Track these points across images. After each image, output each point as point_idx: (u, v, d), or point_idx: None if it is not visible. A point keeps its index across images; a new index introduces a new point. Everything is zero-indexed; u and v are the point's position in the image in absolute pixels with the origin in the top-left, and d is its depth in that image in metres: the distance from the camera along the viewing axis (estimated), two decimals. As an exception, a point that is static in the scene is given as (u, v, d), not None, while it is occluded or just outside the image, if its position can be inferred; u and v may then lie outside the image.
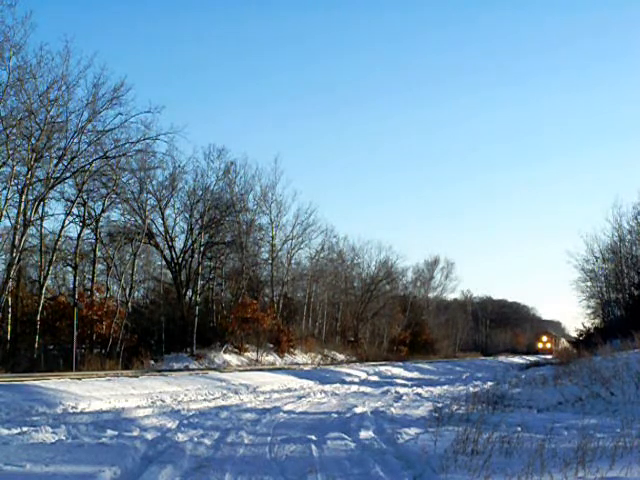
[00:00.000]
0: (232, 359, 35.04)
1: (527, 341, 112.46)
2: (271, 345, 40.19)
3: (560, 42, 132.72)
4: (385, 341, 59.69)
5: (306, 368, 31.55)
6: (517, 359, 54.98)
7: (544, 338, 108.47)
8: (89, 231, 32.20)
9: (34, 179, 26.66)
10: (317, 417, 12.58)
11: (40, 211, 28.30)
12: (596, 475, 6.52)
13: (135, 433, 9.56)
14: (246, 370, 27.59)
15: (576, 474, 6.55)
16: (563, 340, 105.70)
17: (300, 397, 17.23)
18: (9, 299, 26.16)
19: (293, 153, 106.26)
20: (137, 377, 19.48)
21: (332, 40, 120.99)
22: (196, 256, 38.09)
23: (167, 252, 37.96)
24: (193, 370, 26.53)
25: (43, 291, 27.77)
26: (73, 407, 13.05)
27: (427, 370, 36.63)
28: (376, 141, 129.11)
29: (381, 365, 36.64)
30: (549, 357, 52.94)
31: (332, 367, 33.17)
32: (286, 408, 13.93)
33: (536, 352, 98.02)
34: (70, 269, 34.03)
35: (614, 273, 47.59)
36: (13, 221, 26.32)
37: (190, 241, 38.25)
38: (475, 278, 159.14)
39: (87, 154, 28.04)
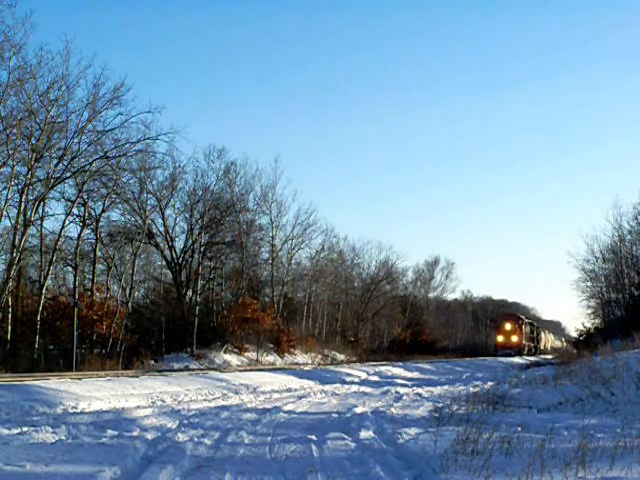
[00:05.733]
0: (232, 359, 35.04)
1: None
2: (271, 345, 40.18)
3: (560, 42, 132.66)
4: (385, 341, 59.68)
5: (306, 368, 31.53)
6: (517, 359, 54.78)
7: (507, 326, 66.65)
8: (89, 231, 32.22)
9: (34, 179, 26.66)
10: (317, 417, 12.58)
11: (40, 211, 28.30)
12: (596, 475, 6.53)
13: (135, 433, 9.57)
14: (246, 370, 27.58)
15: (576, 474, 6.56)
16: (547, 334, 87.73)
17: (300, 397, 17.22)
18: (9, 299, 26.15)
19: (293, 153, 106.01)
20: (137, 377, 19.46)
21: (332, 40, 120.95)
22: (196, 256, 38.10)
23: (167, 252, 37.97)
24: (193, 370, 26.52)
25: (43, 291, 27.76)
26: (73, 407, 13.05)
27: (427, 370, 36.61)
28: (376, 141, 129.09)
29: (381, 365, 36.61)
30: (549, 357, 52.74)
31: (332, 367, 33.15)
32: (286, 408, 13.92)
33: (494, 350, 66.71)
34: (70, 269, 34.03)
35: (614, 273, 47.59)
36: (13, 221, 26.34)
37: (190, 241, 38.26)
38: (475, 278, 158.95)
39: (87, 154, 28.05)
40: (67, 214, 29.67)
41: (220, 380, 20.55)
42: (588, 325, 49.31)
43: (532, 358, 55.86)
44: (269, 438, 9.55)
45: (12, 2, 23.50)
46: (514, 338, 66.00)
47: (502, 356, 59.67)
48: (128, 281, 34.07)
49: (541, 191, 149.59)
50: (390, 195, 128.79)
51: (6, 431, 9.39)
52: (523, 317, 72.95)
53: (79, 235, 30.82)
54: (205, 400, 15.79)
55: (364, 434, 9.60)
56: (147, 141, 29.23)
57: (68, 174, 27.80)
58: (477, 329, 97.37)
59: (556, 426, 9.91)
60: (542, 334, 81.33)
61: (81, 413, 12.35)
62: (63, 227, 29.32)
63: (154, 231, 37.28)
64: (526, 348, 68.37)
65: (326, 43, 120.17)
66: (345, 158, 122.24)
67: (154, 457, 7.85)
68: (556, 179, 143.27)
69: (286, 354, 40.87)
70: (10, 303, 26.39)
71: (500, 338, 66.97)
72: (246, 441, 9.25)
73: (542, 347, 78.86)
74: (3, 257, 28.67)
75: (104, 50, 76.12)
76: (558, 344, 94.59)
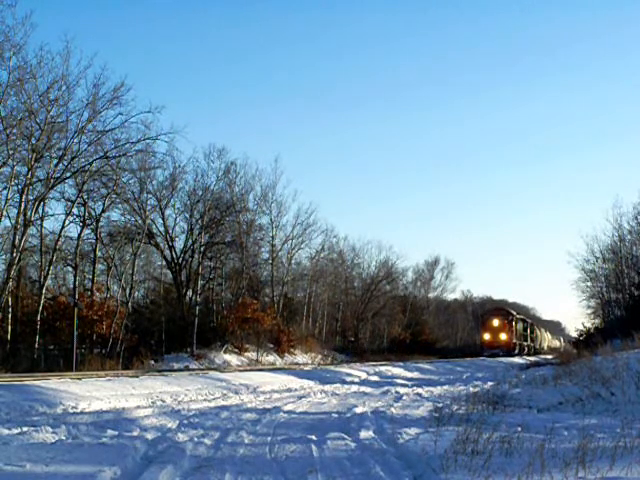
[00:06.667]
0: (232, 359, 35.03)
1: None
2: (271, 345, 40.18)
3: (560, 42, 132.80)
4: (385, 341, 59.64)
5: (306, 368, 31.52)
6: (517, 359, 54.52)
7: (494, 322, 60.16)
8: (89, 231, 32.24)
9: (34, 179, 26.68)
10: (317, 417, 12.57)
11: (40, 211, 28.33)
12: (596, 475, 6.53)
13: (135, 433, 9.56)
14: (246, 370, 27.58)
15: (576, 474, 6.55)
16: (544, 332, 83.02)
17: (300, 397, 17.22)
18: (9, 299, 26.16)
19: (293, 153, 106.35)
20: (137, 377, 19.47)
21: (333, 41, 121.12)
22: (196, 256, 38.11)
23: (167, 252, 37.98)
24: (193, 370, 26.52)
25: (43, 291, 27.77)
26: (73, 407, 13.05)
27: (427, 370, 36.58)
28: (376, 141, 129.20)
29: (381, 365, 36.59)
30: (549, 357, 52.55)
31: (332, 367, 33.13)
32: (286, 408, 13.92)
33: (480, 350, 60.56)
34: (70, 269, 34.05)
35: (614, 273, 47.63)
36: (13, 221, 26.35)
37: (190, 241, 38.28)
38: (475, 278, 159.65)
39: (87, 154, 28.07)
40: (67, 214, 29.69)
41: (220, 380, 20.55)
42: (588, 325, 49.38)
43: (532, 358, 55.18)
44: (269, 438, 9.55)
45: (12, 2, 23.59)
46: (503, 336, 59.39)
47: (490, 356, 54.53)
48: (128, 281, 34.07)
49: (541, 191, 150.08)
50: (390, 195, 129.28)
51: (6, 431, 9.39)
52: (514, 312, 65.09)
53: (79, 235, 30.85)
54: (205, 400, 15.79)
55: (364, 434, 9.60)
56: (147, 141, 29.30)
57: (68, 174, 27.82)
58: (477, 329, 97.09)
59: (556, 426, 9.90)
60: (537, 332, 75.38)
61: (81, 413, 12.35)
62: (63, 227, 29.38)
63: (154, 231, 37.31)
64: (517, 347, 62.24)
65: (326, 43, 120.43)
66: (345, 158, 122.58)
67: (154, 457, 7.84)
68: (556, 179, 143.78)
69: (286, 354, 40.85)
70: (10, 303, 26.39)
71: (487, 336, 60.18)
72: (246, 441, 9.24)
73: (537, 346, 73.98)
74: (3, 257, 28.70)
75: (104, 50, 76.40)
76: (556, 343, 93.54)
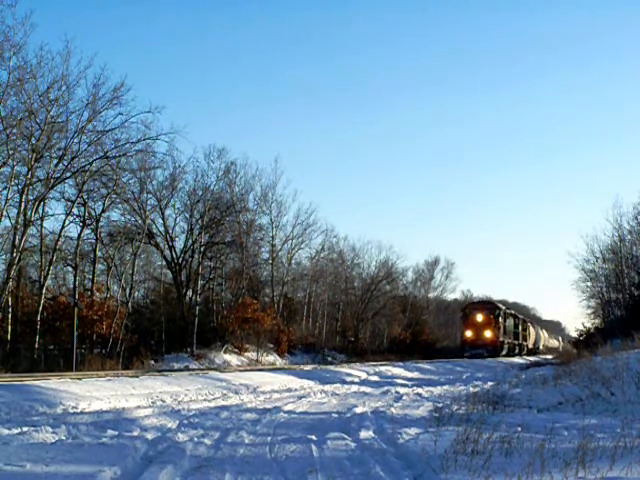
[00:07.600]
0: (232, 359, 35.03)
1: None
2: (271, 345, 40.17)
3: (560, 42, 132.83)
4: (385, 341, 59.60)
5: (306, 368, 31.49)
6: (517, 359, 54.09)
7: (478, 317, 52.46)
8: (89, 231, 32.23)
9: (34, 179, 26.68)
10: (317, 417, 12.57)
11: (40, 211, 28.33)
12: (596, 475, 6.53)
13: (135, 433, 9.56)
14: (246, 370, 27.57)
15: (576, 474, 6.55)
16: (540, 330, 79.84)
17: (300, 397, 17.21)
18: (9, 299, 26.16)
19: (293, 153, 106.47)
20: (137, 377, 19.45)
21: (332, 41, 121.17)
22: (196, 256, 38.11)
23: (167, 252, 37.97)
24: (193, 370, 26.51)
25: (43, 291, 27.76)
26: (73, 407, 13.04)
27: (427, 370, 36.55)
28: (376, 141, 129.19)
29: (381, 365, 36.55)
30: (549, 357, 52.35)
31: (332, 367, 33.10)
32: (286, 408, 13.91)
33: (461, 349, 53.76)
34: (70, 269, 34.06)
35: (614, 273, 47.60)
36: (13, 221, 26.36)
37: (190, 241, 38.28)
38: (475, 278, 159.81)
39: (87, 154, 28.06)
40: (67, 214, 29.70)
41: (220, 380, 20.54)
42: (588, 325, 49.38)
43: (531, 358, 54.57)
44: (269, 438, 9.55)
45: (12, 2, 23.59)
46: (487, 333, 51.83)
47: (471, 357, 48.85)
48: (128, 281, 34.08)
49: (541, 191, 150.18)
50: (390, 195, 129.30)
51: (6, 431, 9.38)
52: (502, 306, 57.35)
53: (79, 235, 30.85)
54: (205, 400, 15.78)
55: (364, 434, 9.59)
56: (147, 141, 29.27)
57: (68, 174, 27.81)
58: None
59: (556, 426, 9.90)
60: (531, 330, 69.58)
61: (81, 413, 12.34)
62: (63, 227, 29.38)
63: (154, 231, 37.30)
64: (506, 347, 55.45)
65: (326, 43, 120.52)
66: (345, 158, 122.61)
67: (154, 457, 7.84)
68: (556, 179, 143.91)
69: (286, 354, 40.84)
70: (10, 303, 26.39)
71: (469, 333, 52.69)
72: (246, 441, 9.24)
73: (531, 345, 68.60)
74: (3, 257, 28.71)
75: (104, 50, 76.44)
76: (554, 343, 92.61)
